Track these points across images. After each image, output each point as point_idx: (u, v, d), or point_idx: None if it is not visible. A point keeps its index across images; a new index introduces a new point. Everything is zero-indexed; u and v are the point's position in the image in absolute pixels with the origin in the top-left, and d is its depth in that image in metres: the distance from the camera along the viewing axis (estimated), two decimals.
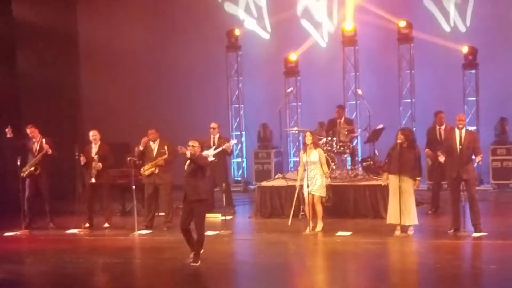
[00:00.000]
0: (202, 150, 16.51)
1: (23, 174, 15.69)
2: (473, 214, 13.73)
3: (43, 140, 15.79)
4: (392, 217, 13.79)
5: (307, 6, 20.51)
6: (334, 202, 15.39)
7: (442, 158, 13.93)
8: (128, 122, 20.04)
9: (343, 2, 20.14)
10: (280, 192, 16.23)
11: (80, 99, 21.35)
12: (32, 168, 15.71)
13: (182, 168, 12.41)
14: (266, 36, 20.85)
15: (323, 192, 14.58)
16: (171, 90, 20.91)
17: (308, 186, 14.45)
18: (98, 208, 16.32)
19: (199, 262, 12.11)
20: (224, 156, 16.79)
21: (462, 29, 19.62)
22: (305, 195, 14.60)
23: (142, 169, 15.37)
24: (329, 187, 14.81)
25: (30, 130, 15.93)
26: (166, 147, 15.26)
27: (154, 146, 15.53)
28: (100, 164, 15.63)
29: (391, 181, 13.84)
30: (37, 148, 15.85)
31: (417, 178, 13.73)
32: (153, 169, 15.34)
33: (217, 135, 16.81)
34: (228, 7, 20.97)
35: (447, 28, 19.65)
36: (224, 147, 16.46)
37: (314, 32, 20.51)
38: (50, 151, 15.72)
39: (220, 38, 20.45)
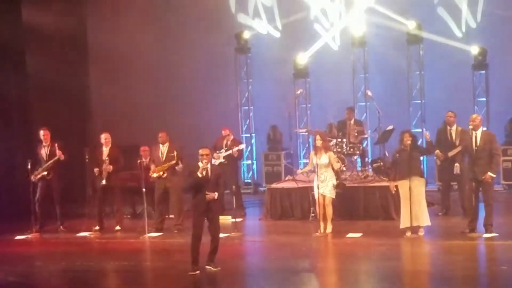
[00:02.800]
0: (214, 151, 16.74)
1: (34, 178, 15.75)
2: (486, 215, 13.62)
3: (56, 145, 15.82)
4: (405, 222, 13.73)
5: (316, 7, 20.47)
6: (344, 204, 15.37)
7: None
8: (138, 125, 20.06)
9: (352, 4, 20.11)
10: (290, 194, 16.22)
11: (89, 102, 21.35)
12: (45, 173, 15.76)
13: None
14: (275, 37, 20.80)
15: (334, 194, 14.57)
16: (181, 93, 20.88)
17: (319, 188, 14.45)
18: (109, 211, 16.35)
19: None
20: (234, 158, 16.84)
21: (472, 29, 19.52)
22: (316, 196, 14.61)
23: (150, 172, 15.40)
24: (339, 173, 14.80)
25: (44, 133, 15.95)
26: (175, 153, 15.26)
27: (164, 149, 15.55)
28: (111, 167, 15.64)
29: (401, 186, 13.79)
30: (47, 152, 15.88)
31: None
32: (161, 173, 15.35)
33: (231, 138, 16.88)
34: (237, 9, 20.94)
35: (456, 29, 19.56)
36: (231, 152, 16.51)
37: (324, 34, 20.47)
38: (63, 157, 15.76)
39: (229, 40, 20.45)
